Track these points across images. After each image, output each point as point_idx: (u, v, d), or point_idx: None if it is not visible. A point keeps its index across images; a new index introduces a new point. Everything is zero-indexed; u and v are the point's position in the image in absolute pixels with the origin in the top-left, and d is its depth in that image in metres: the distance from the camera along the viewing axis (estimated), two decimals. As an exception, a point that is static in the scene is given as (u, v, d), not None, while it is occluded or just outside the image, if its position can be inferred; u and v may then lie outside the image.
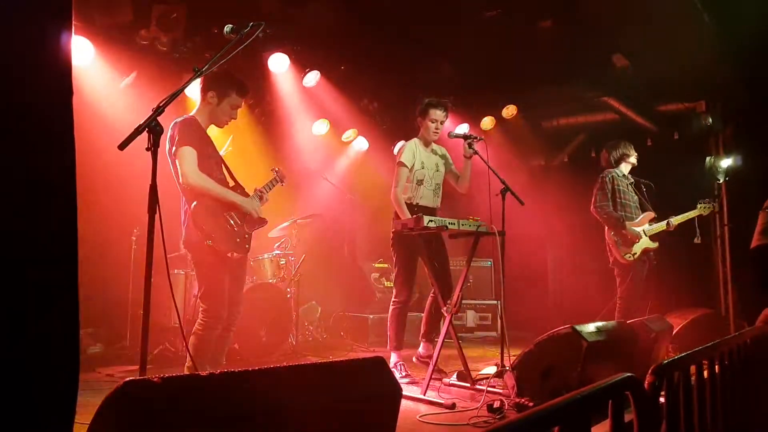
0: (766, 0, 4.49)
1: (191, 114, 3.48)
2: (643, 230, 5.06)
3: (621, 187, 5.17)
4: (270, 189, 3.74)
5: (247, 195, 3.57)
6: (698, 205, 5.14)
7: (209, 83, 3.45)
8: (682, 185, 6.00)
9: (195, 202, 3.27)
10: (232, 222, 3.40)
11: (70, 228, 1.41)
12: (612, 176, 5.18)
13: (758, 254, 4.38)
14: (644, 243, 5.04)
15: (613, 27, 5.41)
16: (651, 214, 5.17)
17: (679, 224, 5.14)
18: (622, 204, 5.12)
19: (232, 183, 3.58)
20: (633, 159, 5.29)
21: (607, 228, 5.16)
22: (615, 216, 5.06)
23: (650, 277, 5.20)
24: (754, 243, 4.45)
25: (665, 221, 5.11)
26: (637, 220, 5.11)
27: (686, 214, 5.14)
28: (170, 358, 4.94)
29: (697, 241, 5.23)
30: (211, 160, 3.44)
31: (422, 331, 4.52)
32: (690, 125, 6.62)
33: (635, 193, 5.27)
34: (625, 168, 5.29)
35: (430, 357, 4.21)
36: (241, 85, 3.55)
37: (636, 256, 5.01)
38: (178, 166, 3.26)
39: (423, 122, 4.55)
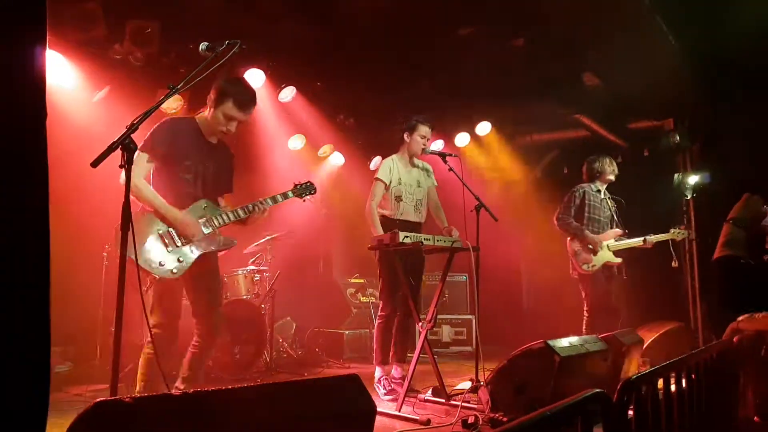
0: (726, 23, 4.65)
1: (198, 115, 3.30)
2: (607, 244, 5.12)
3: (593, 202, 5.23)
4: (232, 216, 3.28)
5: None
6: (671, 230, 5.22)
7: (214, 86, 3.20)
8: (652, 200, 6.13)
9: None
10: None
11: (42, 244, 1.39)
12: (584, 191, 5.25)
13: (719, 265, 4.47)
14: (605, 256, 5.11)
15: (583, 46, 5.54)
16: (618, 231, 5.24)
17: (654, 243, 5.19)
18: (590, 218, 5.18)
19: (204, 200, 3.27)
20: (611, 175, 5.33)
21: (569, 239, 5.24)
22: (573, 225, 5.15)
23: (620, 292, 5.27)
24: (716, 254, 4.53)
25: (642, 237, 5.16)
26: (600, 235, 5.17)
27: (660, 235, 5.20)
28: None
29: (674, 265, 5.31)
30: (181, 166, 3.15)
31: (391, 353, 4.50)
32: (659, 142, 6.79)
33: (609, 209, 5.34)
34: (601, 183, 5.35)
35: (404, 378, 4.20)
36: (241, 95, 3.18)
37: (595, 268, 5.07)
38: None
39: (411, 137, 4.59)
